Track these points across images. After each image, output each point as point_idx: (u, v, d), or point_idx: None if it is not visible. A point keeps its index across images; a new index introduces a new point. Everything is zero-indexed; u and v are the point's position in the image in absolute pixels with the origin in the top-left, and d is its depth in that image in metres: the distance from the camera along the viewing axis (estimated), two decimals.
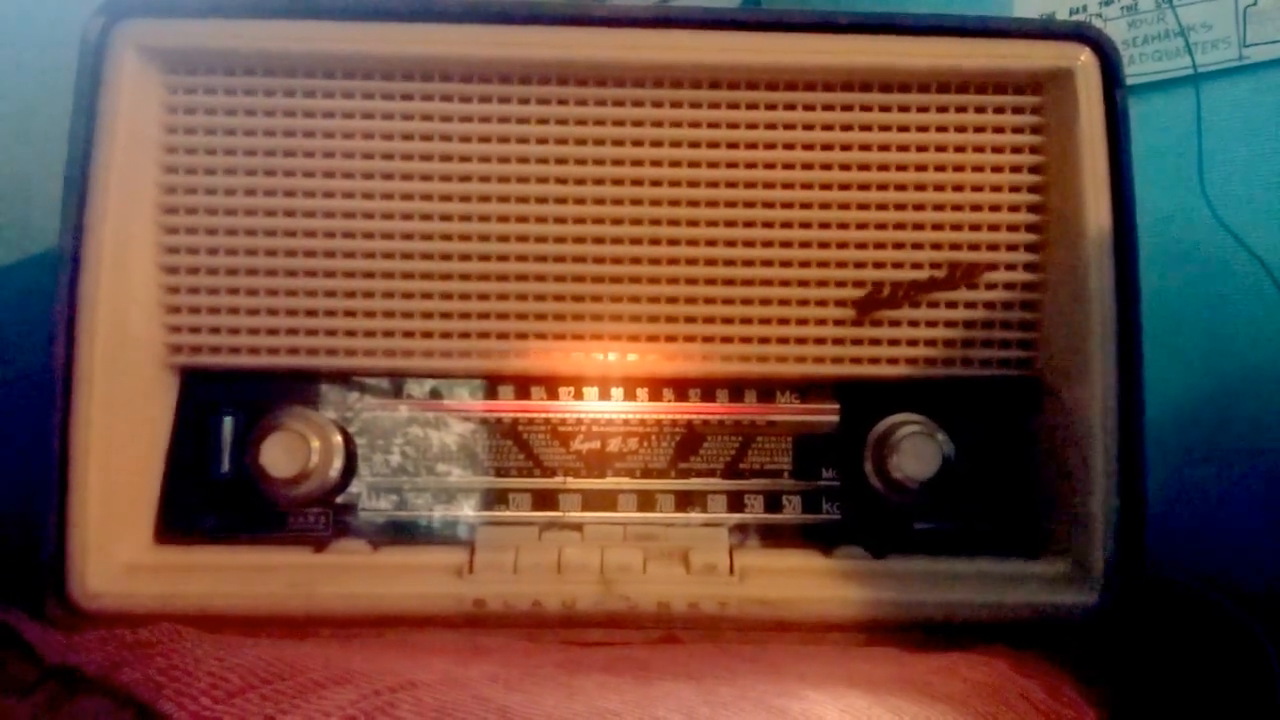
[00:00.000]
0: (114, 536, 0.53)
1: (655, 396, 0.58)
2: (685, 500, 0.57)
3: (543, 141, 0.55)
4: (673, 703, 0.38)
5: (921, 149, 0.56)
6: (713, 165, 0.56)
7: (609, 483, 0.57)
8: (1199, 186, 0.80)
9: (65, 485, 0.51)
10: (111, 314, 0.53)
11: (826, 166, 0.56)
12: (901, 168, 0.56)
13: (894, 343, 0.56)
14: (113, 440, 0.52)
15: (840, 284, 0.56)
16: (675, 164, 0.56)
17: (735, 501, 0.57)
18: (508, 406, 0.57)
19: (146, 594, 0.52)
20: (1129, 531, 0.54)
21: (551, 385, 0.57)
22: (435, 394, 0.57)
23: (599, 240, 0.56)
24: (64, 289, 0.52)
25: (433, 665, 0.43)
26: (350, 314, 0.55)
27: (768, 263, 0.56)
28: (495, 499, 0.57)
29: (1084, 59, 0.56)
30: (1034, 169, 0.56)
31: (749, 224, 0.56)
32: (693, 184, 0.56)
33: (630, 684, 0.41)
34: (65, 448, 0.52)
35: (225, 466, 0.56)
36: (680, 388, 0.58)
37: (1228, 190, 0.79)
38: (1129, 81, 0.57)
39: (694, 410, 0.58)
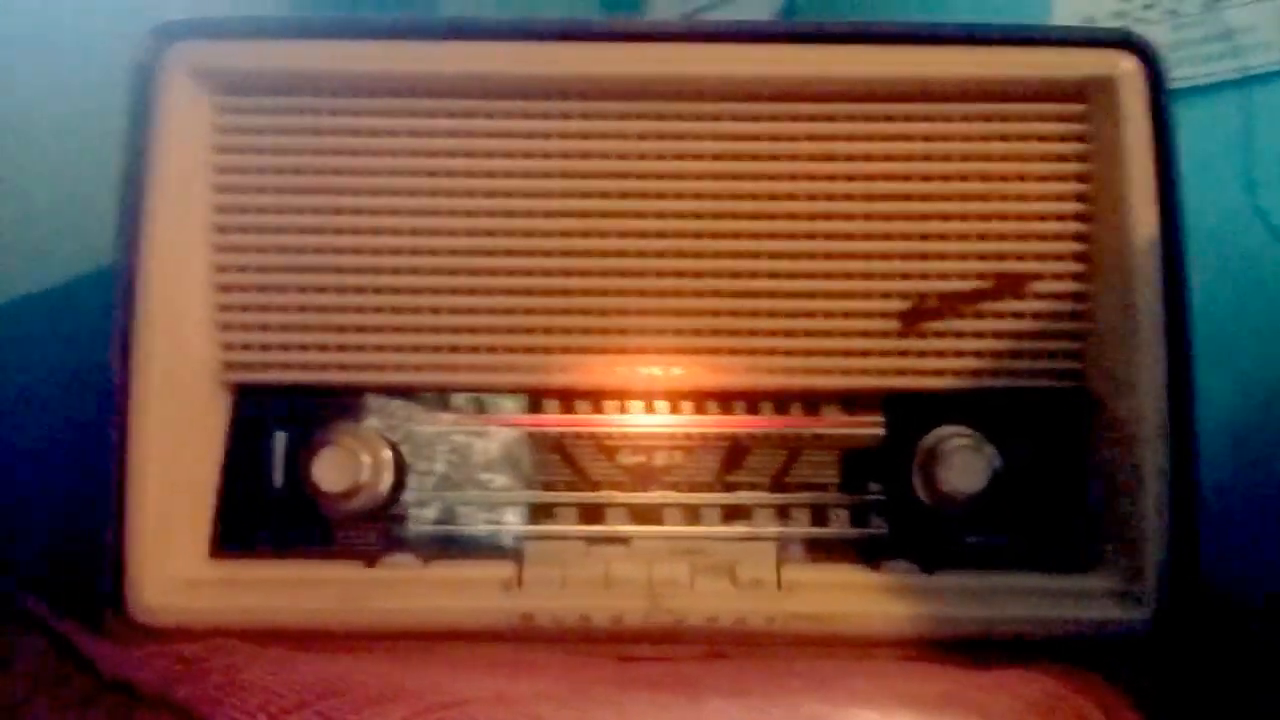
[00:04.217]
0: (170, 551, 0.53)
1: (700, 410, 0.58)
2: (731, 514, 0.57)
3: (586, 156, 0.56)
4: None
5: (965, 159, 0.56)
6: (755, 178, 0.56)
7: (655, 496, 0.57)
8: (1247, 191, 0.79)
9: (123, 501, 0.52)
10: (167, 333, 0.54)
11: (870, 178, 0.56)
12: (945, 178, 0.56)
13: (940, 354, 0.56)
14: (169, 456, 0.53)
15: (885, 295, 0.56)
16: (718, 177, 0.56)
17: (782, 515, 0.57)
18: (553, 420, 0.58)
19: (202, 608, 0.53)
20: (1181, 546, 0.53)
21: (596, 399, 0.57)
22: (482, 408, 0.58)
23: (643, 254, 0.56)
24: (120, 309, 0.53)
25: (483, 682, 0.43)
26: (398, 330, 0.56)
27: (812, 275, 0.56)
28: (542, 513, 0.57)
29: (1128, 66, 0.55)
30: (1079, 178, 0.56)
31: (792, 236, 0.56)
32: (736, 197, 0.56)
33: (681, 702, 0.41)
34: (123, 464, 0.53)
35: (278, 481, 0.56)
36: (725, 400, 0.58)
37: (1277, 194, 0.78)
38: (1174, 86, 0.56)
39: (739, 423, 0.58)
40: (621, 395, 0.58)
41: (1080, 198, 0.56)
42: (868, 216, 0.56)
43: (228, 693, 0.41)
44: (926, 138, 0.56)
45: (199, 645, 0.46)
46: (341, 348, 0.56)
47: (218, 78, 0.56)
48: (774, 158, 0.56)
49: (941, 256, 0.56)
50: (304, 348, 0.56)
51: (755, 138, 0.56)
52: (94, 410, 0.54)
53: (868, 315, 0.56)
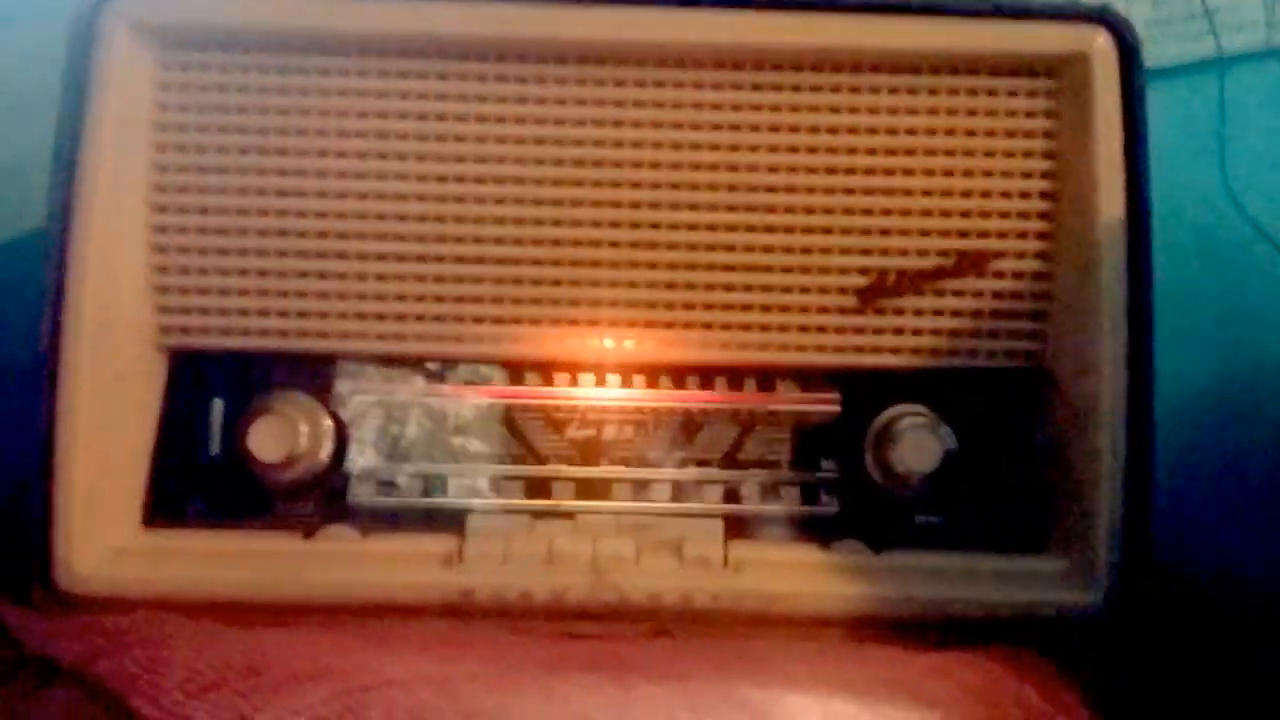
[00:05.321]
0: (101, 520, 0.52)
1: (652, 384, 0.57)
2: (680, 490, 0.56)
3: (539, 123, 0.54)
4: (651, 706, 0.37)
5: (930, 133, 0.55)
6: (714, 148, 0.54)
7: (603, 471, 0.56)
8: (1220, 173, 0.78)
9: (51, 468, 0.51)
10: (100, 295, 0.52)
11: (831, 150, 0.55)
12: (909, 152, 0.55)
13: (898, 332, 0.55)
14: (100, 423, 0.52)
15: (844, 271, 0.55)
16: (675, 146, 0.54)
17: (732, 492, 0.56)
18: (501, 392, 0.56)
19: (133, 578, 0.52)
20: (1135, 529, 0.52)
21: (546, 371, 0.56)
22: (428, 378, 0.56)
23: (597, 223, 0.54)
24: (52, 270, 0.52)
25: (411, 662, 0.42)
26: (342, 296, 0.54)
27: (769, 248, 0.55)
28: (487, 487, 0.56)
29: (1100, 42, 0.54)
30: (1046, 155, 0.55)
31: (751, 208, 0.55)
32: (694, 167, 0.54)
33: (610, 685, 0.41)
34: (52, 430, 0.51)
35: (215, 450, 0.55)
36: (678, 375, 0.57)
37: (1251, 177, 0.77)
38: (1151, 64, 0.55)
39: (691, 398, 0.57)
40: (572, 368, 0.57)
41: (1046, 175, 0.55)
42: (828, 190, 0.55)
43: (146, 669, 0.40)
44: (891, 110, 0.55)
45: (124, 618, 0.45)
46: (283, 314, 0.54)
47: (160, 33, 0.54)
48: (733, 128, 0.54)
49: (902, 232, 0.55)
50: (244, 313, 0.54)
51: (714, 107, 0.54)
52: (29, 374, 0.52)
53: (825, 291, 0.55)
